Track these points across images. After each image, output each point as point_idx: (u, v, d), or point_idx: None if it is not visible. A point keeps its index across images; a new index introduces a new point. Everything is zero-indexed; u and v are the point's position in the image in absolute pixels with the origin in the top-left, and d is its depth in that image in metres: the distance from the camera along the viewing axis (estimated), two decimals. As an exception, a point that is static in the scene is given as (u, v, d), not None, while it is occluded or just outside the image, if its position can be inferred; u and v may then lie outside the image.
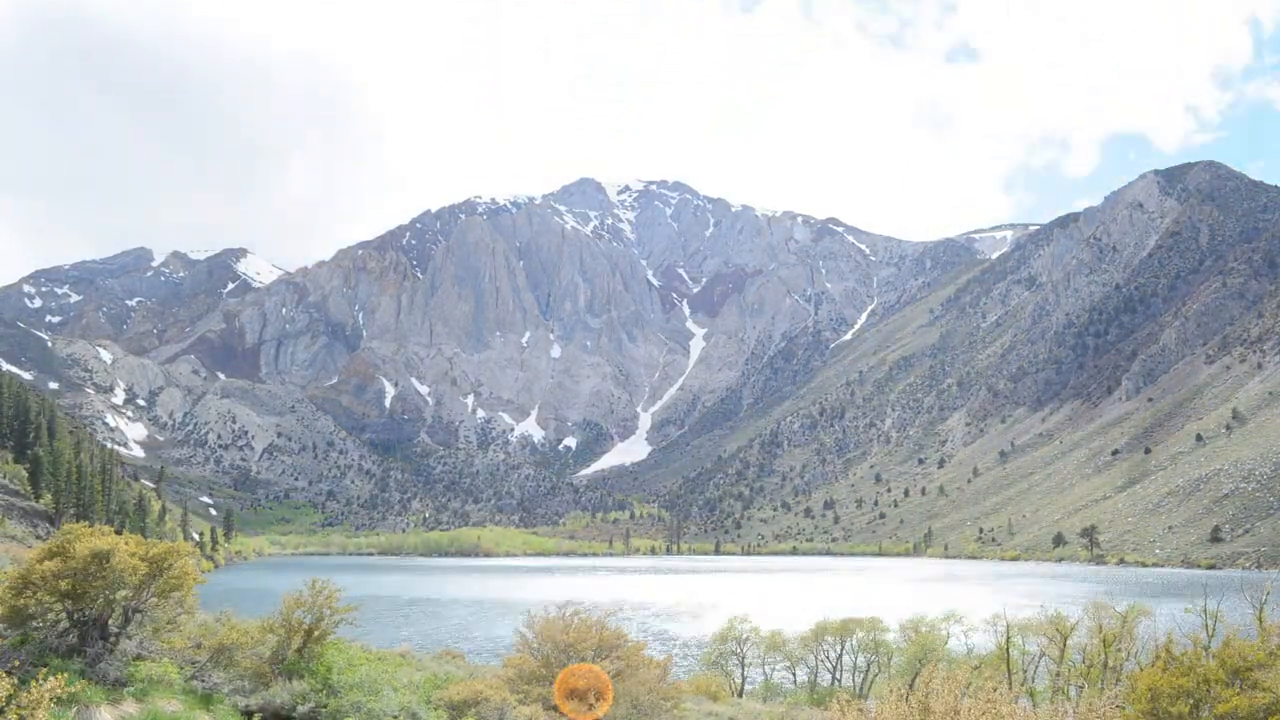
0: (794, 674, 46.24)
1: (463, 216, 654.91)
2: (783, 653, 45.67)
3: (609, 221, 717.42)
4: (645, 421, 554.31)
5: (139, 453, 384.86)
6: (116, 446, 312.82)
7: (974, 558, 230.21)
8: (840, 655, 44.50)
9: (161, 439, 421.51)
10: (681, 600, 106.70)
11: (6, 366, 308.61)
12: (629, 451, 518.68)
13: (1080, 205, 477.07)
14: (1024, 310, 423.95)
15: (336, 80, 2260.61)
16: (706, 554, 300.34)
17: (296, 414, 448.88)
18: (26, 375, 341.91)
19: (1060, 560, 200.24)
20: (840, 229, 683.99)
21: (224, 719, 19.73)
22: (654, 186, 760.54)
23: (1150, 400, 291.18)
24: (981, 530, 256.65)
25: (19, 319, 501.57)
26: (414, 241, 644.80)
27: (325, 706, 20.48)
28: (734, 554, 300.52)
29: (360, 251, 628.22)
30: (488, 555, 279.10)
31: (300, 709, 20.41)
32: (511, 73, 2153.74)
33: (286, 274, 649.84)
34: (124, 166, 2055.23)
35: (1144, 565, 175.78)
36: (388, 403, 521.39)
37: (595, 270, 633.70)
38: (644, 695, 23.70)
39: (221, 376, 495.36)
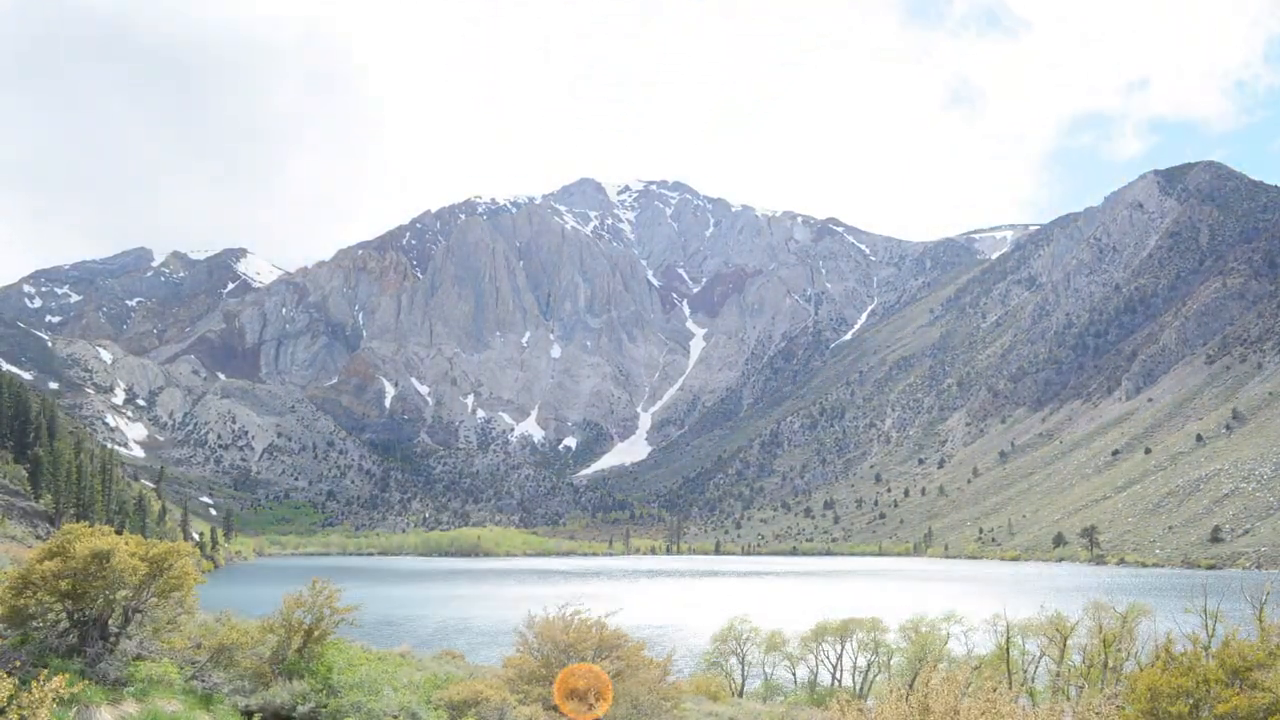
0: (794, 674, 46.27)
1: (463, 216, 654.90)
2: (783, 653, 45.70)
3: (609, 221, 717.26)
4: (645, 421, 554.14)
5: (139, 453, 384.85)
6: (116, 446, 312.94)
7: (974, 558, 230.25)
8: (840, 655, 44.53)
9: (161, 439, 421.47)
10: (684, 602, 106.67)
11: (6, 366, 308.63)
12: (629, 451, 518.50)
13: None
14: (1024, 310, 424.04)
15: (336, 80, 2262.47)
16: (706, 554, 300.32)
17: (296, 414, 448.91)
18: (26, 375, 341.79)
19: (1060, 560, 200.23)
20: (840, 229, 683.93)
21: (224, 719, 19.74)
22: (654, 186, 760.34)
23: (1150, 400, 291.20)
24: (981, 530, 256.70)
25: (19, 319, 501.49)
26: (414, 241, 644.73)
27: (325, 706, 20.50)
28: (734, 554, 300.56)
29: (360, 251, 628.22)
30: (488, 555, 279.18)
31: (300, 709, 20.42)
32: (511, 73, 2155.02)
33: (286, 274, 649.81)
34: (124, 166, 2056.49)
35: (1144, 565, 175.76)
36: (388, 403, 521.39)
37: (595, 270, 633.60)
38: (644, 695, 23.72)
39: (221, 376, 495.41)
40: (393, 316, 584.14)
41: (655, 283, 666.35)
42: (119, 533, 22.12)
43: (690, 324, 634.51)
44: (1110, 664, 34.65)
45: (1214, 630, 29.90)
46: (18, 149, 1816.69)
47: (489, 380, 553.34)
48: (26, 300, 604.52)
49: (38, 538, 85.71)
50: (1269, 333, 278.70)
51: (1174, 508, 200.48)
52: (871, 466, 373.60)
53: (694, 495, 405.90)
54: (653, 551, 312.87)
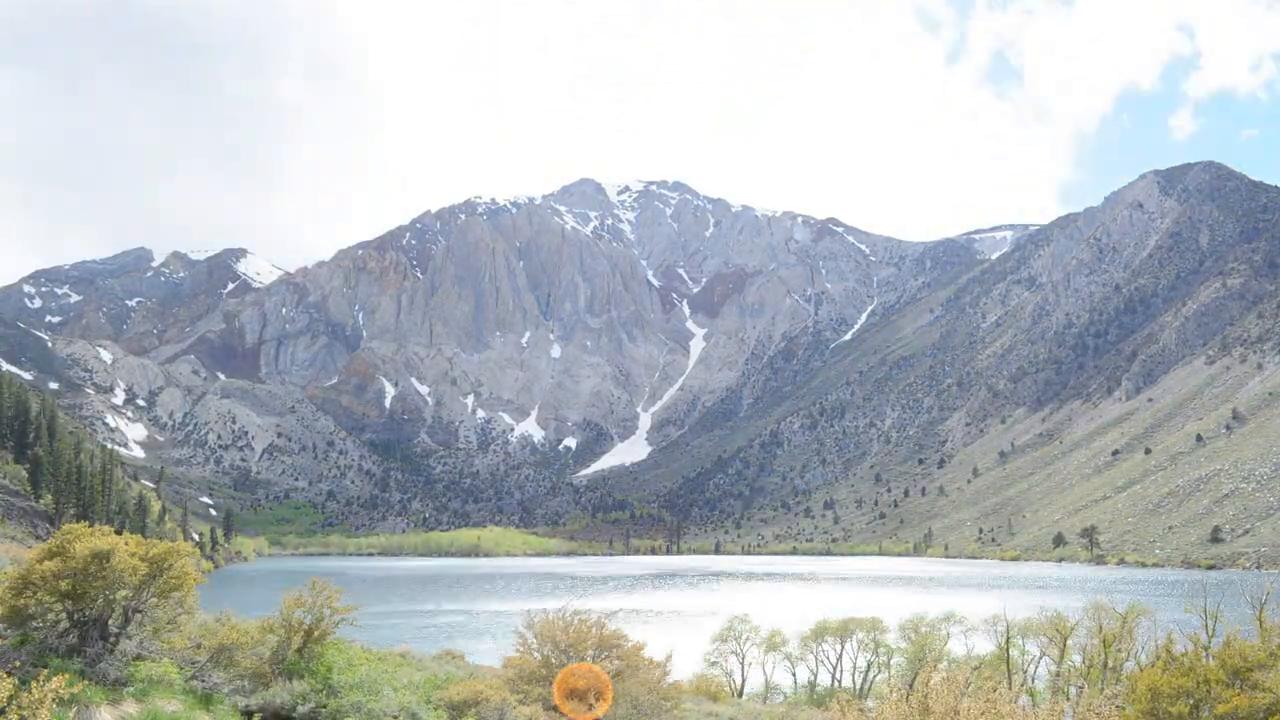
0: (794, 674, 46.26)
1: (463, 216, 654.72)
2: (783, 653, 45.70)
3: (609, 222, 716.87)
4: (645, 422, 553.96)
5: (139, 453, 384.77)
6: (116, 447, 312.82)
7: (974, 558, 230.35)
8: (840, 655, 44.54)
9: (161, 439, 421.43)
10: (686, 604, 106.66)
11: (6, 366, 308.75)
12: (629, 452, 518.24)
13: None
14: (1024, 310, 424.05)
15: (336, 80, 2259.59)
16: (706, 554, 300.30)
17: (296, 414, 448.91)
18: (26, 375, 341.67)
19: (1060, 560, 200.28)
20: (840, 229, 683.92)
21: (224, 719, 19.73)
22: (654, 187, 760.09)
23: (1150, 400, 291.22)
24: (981, 530, 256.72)
25: (19, 319, 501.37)
26: (414, 241, 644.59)
27: (325, 706, 20.49)
28: (734, 554, 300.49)
29: (360, 251, 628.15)
30: (488, 555, 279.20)
31: (300, 709, 20.42)
32: (511, 73, 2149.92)
33: (286, 274, 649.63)
34: (124, 166, 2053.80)
35: (1144, 565, 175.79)
36: (388, 403, 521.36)
37: (595, 270, 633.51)
38: (644, 695, 23.71)
39: (221, 377, 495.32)
40: (393, 316, 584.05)
41: (655, 283, 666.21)
42: (119, 533, 22.11)
43: (690, 324, 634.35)
44: (1110, 664, 34.65)
45: (1214, 630, 29.89)
46: (17, 132, 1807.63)
47: (489, 380, 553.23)
48: (26, 300, 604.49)
49: (38, 538, 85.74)
50: (1269, 333, 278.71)
51: (1174, 508, 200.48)
52: (871, 466, 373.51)
53: (694, 495, 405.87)
54: (653, 551, 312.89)
